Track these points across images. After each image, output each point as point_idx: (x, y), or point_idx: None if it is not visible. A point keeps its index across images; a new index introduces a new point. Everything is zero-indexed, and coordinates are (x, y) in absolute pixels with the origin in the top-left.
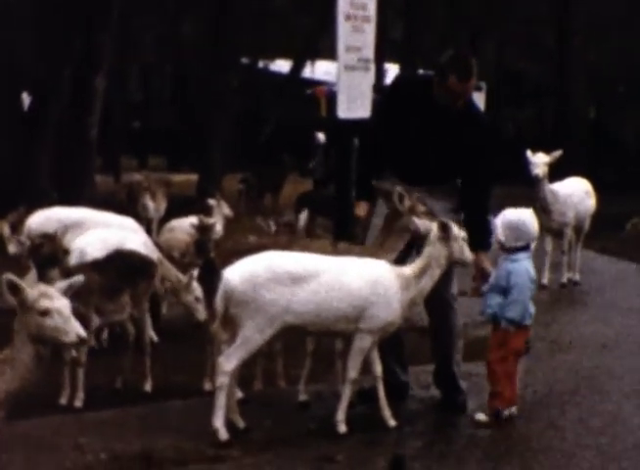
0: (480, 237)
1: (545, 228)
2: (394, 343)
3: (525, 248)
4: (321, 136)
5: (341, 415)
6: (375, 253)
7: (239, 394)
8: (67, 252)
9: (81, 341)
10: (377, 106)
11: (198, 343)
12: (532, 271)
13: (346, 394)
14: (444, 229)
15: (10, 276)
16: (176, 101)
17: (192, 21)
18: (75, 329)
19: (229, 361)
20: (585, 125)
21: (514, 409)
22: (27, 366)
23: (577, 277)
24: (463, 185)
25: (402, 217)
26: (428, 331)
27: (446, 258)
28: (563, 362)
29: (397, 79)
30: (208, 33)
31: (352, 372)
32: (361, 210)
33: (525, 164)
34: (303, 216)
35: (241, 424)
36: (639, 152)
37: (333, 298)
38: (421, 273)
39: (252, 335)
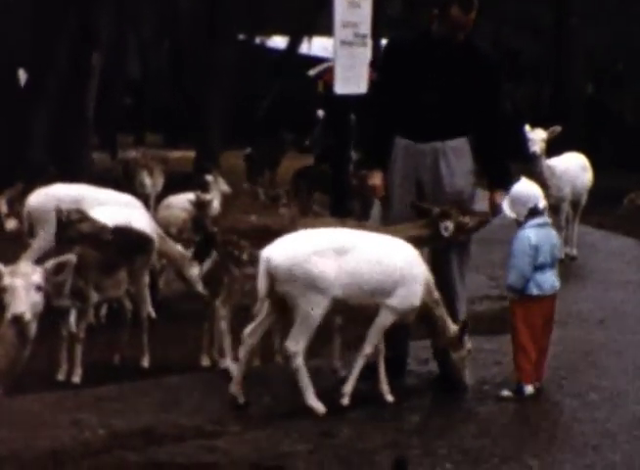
0: (498, 177)
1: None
2: None
3: (535, 215)
4: (321, 112)
5: (347, 388)
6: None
7: (229, 364)
8: (107, 231)
9: (14, 318)
10: (378, 71)
11: (196, 319)
12: (535, 238)
13: (358, 367)
14: (461, 331)
15: None
16: (173, 78)
17: None
18: (14, 306)
19: (296, 342)
20: (583, 102)
21: (538, 385)
22: (13, 344)
23: (575, 252)
24: (478, 127)
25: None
26: None
27: (448, 342)
28: (560, 337)
29: (391, 40)
30: (206, 10)
31: (368, 347)
32: (376, 179)
33: (523, 141)
34: None
35: (241, 399)
36: (636, 127)
37: (371, 270)
38: (437, 303)
39: (310, 311)
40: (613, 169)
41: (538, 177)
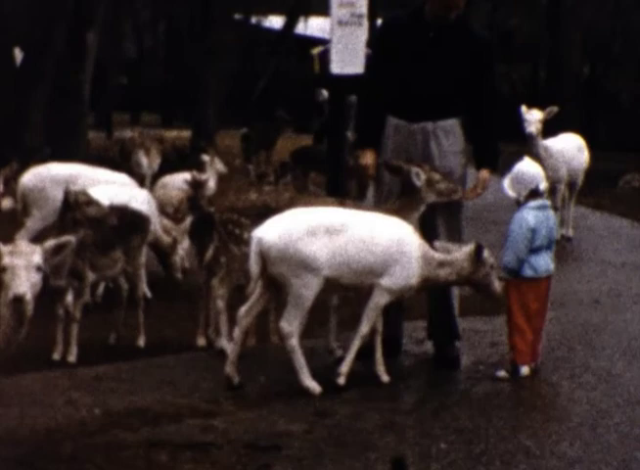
0: (487, 155)
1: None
2: None
3: (535, 196)
4: (325, 92)
5: (344, 368)
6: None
7: (225, 343)
8: (113, 215)
9: (15, 298)
10: (372, 51)
11: (191, 298)
12: (533, 220)
13: (355, 347)
14: (478, 250)
15: None
16: (170, 57)
17: None
18: (15, 287)
19: (290, 323)
20: (579, 83)
21: (533, 365)
22: (9, 323)
23: (571, 233)
24: (470, 106)
25: (419, 191)
26: None
27: (467, 274)
28: (556, 318)
29: (386, 19)
30: None
31: (365, 327)
32: (367, 158)
33: (520, 121)
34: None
35: (236, 379)
36: (632, 109)
37: (363, 249)
38: (443, 263)
39: (302, 291)
40: (609, 150)
41: (534, 158)
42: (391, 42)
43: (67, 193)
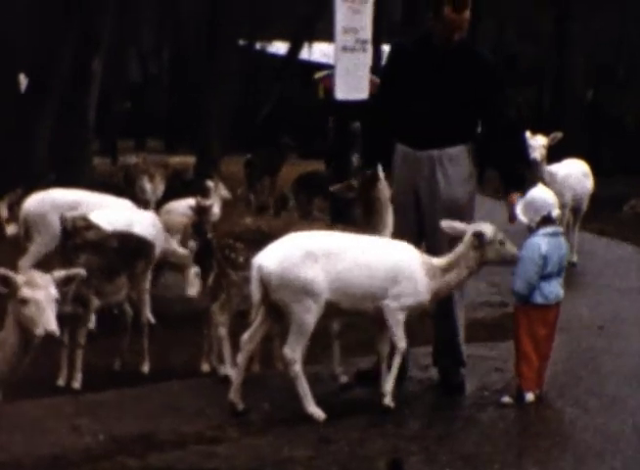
0: (511, 179)
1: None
2: None
3: (547, 222)
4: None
5: (388, 387)
6: (370, 233)
7: (229, 370)
8: (112, 239)
9: (48, 335)
10: (380, 76)
11: (195, 324)
12: (545, 247)
13: (395, 365)
14: (478, 238)
15: (1, 271)
16: (174, 83)
17: (190, 2)
18: (46, 323)
19: (293, 349)
20: (583, 107)
21: (538, 392)
22: (14, 351)
23: (575, 259)
24: (484, 131)
25: (373, 192)
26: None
27: (477, 261)
28: (560, 344)
29: (394, 45)
30: (206, 15)
31: (401, 343)
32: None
33: (524, 147)
34: None
35: (240, 406)
36: (637, 134)
37: (362, 274)
38: (448, 268)
39: (303, 317)
40: (613, 175)
41: (539, 184)
42: (398, 69)
43: (62, 220)
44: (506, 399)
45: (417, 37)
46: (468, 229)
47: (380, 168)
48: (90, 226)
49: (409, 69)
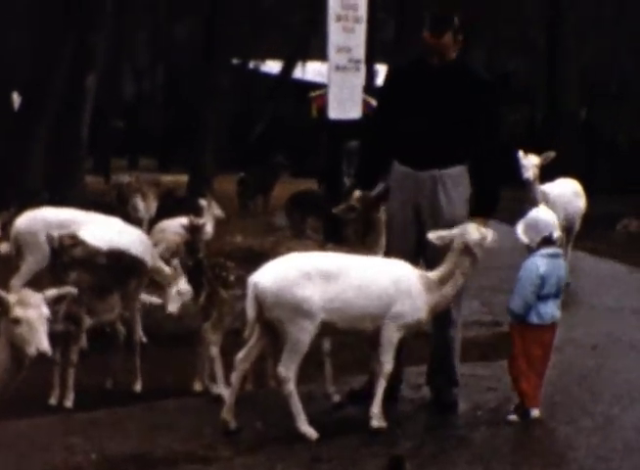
0: (484, 202)
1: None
2: None
3: (548, 243)
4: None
5: (375, 409)
6: (364, 253)
7: (222, 390)
8: (101, 255)
9: (41, 355)
10: (377, 98)
11: (187, 343)
12: (543, 267)
13: (380, 388)
14: (466, 248)
15: None
16: (168, 100)
17: (184, 21)
18: (38, 343)
19: (287, 368)
20: (576, 126)
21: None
22: (6, 369)
23: (569, 278)
24: (475, 151)
25: (375, 212)
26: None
27: (471, 266)
28: (554, 363)
29: (390, 67)
30: (200, 34)
31: (387, 365)
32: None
33: (517, 166)
34: None
35: (233, 424)
36: (630, 153)
37: (360, 295)
38: (444, 279)
39: (298, 336)
40: (606, 194)
41: (531, 203)
42: (395, 90)
43: (49, 239)
44: (512, 417)
45: (413, 58)
46: (455, 236)
47: (380, 189)
48: (77, 243)
49: (406, 89)
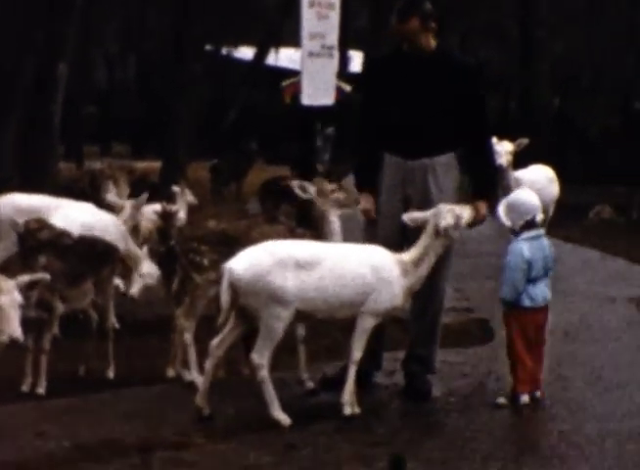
0: (483, 188)
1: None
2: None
3: (531, 226)
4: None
5: (346, 397)
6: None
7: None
8: (67, 236)
9: (13, 342)
10: (361, 90)
11: (161, 329)
12: (528, 252)
13: (351, 375)
14: (437, 229)
15: None
16: (140, 88)
17: (156, 7)
18: (10, 329)
19: (261, 355)
20: (549, 115)
21: (538, 394)
22: None
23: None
24: (467, 136)
25: (316, 204)
26: (411, 313)
27: (444, 246)
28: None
29: (369, 59)
30: (172, 21)
31: (357, 353)
32: (366, 202)
33: (490, 153)
34: None
35: (206, 411)
36: (602, 141)
37: (337, 284)
38: (418, 261)
39: (272, 323)
40: (579, 182)
41: (504, 190)
42: (379, 81)
43: (12, 225)
44: (501, 400)
45: (391, 48)
46: (428, 219)
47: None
48: (43, 227)
49: (391, 79)
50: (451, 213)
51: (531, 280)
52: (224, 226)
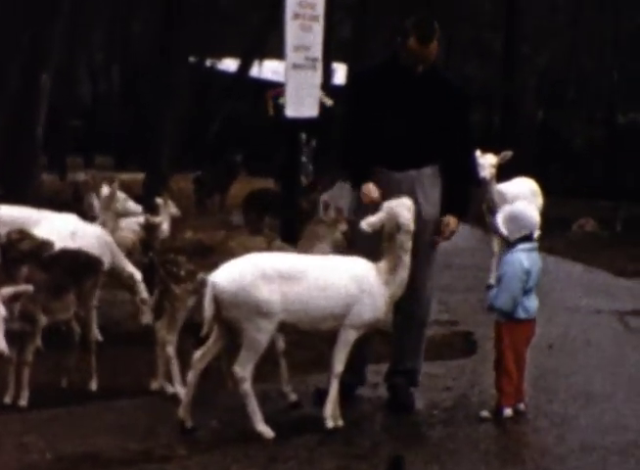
0: (459, 204)
1: (492, 229)
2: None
3: (526, 239)
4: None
5: (328, 411)
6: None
7: (178, 388)
8: (48, 246)
9: None
10: (345, 104)
11: (144, 341)
12: (527, 262)
13: (333, 388)
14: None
15: None
16: (124, 99)
17: (140, 19)
18: None
19: (243, 367)
20: (533, 128)
21: (522, 407)
22: None
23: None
24: (449, 153)
25: (324, 225)
26: (395, 326)
27: (407, 241)
28: None
29: (355, 73)
30: (156, 33)
31: (338, 366)
32: (372, 192)
33: (474, 166)
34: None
35: (189, 424)
36: (586, 154)
37: (321, 296)
38: (394, 266)
39: (255, 336)
40: (562, 195)
41: (488, 203)
42: (365, 94)
43: None
44: (484, 413)
45: (381, 63)
46: (384, 220)
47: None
48: (23, 237)
49: (379, 94)
50: (404, 207)
51: (526, 292)
52: (200, 236)
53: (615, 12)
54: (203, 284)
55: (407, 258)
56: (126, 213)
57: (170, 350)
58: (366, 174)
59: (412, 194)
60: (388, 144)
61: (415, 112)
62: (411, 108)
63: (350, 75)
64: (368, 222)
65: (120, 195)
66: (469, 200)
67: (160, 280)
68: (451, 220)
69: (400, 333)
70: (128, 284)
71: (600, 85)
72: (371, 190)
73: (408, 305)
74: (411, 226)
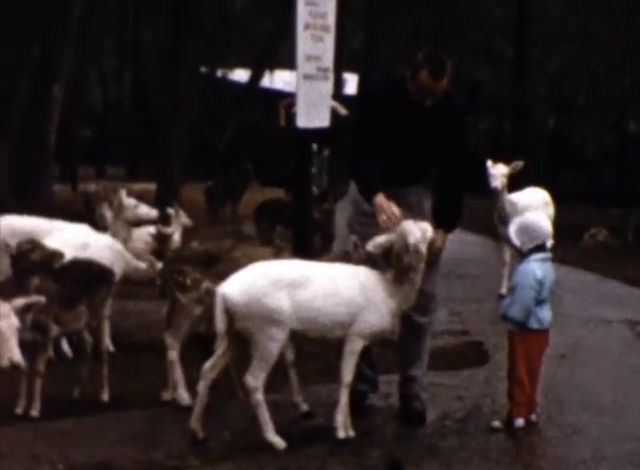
0: (449, 219)
1: (504, 239)
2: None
3: (539, 249)
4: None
5: (339, 420)
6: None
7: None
8: (59, 256)
9: (13, 366)
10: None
11: (156, 352)
12: (540, 272)
13: (343, 398)
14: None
15: None
16: (135, 110)
17: (151, 29)
18: (10, 353)
19: (255, 377)
20: (544, 135)
21: (533, 417)
22: None
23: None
24: (444, 167)
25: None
26: (401, 337)
27: (417, 261)
28: None
29: (365, 95)
30: (168, 42)
31: (348, 376)
32: (389, 205)
33: (485, 175)
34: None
35: (201, 434)
36: (597, 160)
37: (329, 303)
38: (401, 280)
39: (267, 346)
40: (574, 203)
41: (499, 213)
42: (375, 115)
43: (5, 247)
44: (496, 423)
45: (391, 83)
46: (394, 241)
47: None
48: (35, 247)
49: (388, 115)
50: (417, 228)
51: (540, 302)
52: (207, 246)
53: (626, 17)
54: (209, 293)
55: (415, 277)
56: (139, 221)
57: (173, 354)
58: (378, 187)
59: (420, 206)
60: (394, 162)
61: (423, 134)
62: (419, 130)
63: (362, 90)
64: (375, 244)
65: (130, 202)
66: (459, 217)
67: (168, 290)
68: (439, 237)
69: (407, 341)
70: (146, 278)
71: (611, 91)
72: (394, 208)
73: (413, 313)
74: (422, 248)
